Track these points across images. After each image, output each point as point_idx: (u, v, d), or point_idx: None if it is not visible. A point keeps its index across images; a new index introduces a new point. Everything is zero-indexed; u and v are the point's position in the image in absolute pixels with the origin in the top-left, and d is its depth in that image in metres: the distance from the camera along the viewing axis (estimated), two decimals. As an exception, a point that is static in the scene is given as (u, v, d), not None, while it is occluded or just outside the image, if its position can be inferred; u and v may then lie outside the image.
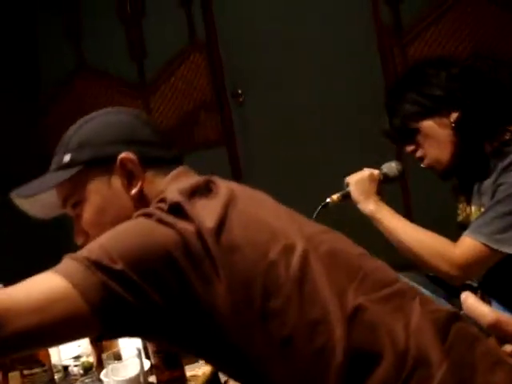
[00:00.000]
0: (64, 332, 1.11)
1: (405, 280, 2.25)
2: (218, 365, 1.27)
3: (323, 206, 2.25)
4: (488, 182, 2.05)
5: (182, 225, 1.16)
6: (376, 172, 2.25)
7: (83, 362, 2.03)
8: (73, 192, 1.40)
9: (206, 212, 1.19)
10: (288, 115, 4.21)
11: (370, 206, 2.17)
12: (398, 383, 1.13)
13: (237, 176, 4.37)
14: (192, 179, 1.33)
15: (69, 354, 2.11)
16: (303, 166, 4.18)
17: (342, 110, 4.08)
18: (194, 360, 1.86)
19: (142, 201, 1.33)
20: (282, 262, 1.18)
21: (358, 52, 4.03)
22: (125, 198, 1.36)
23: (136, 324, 1.13)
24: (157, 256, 1.13)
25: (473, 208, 2.15)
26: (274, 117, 4.27)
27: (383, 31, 3.91)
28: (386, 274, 1.30)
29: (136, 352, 1.73)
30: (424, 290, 2.25)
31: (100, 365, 1.88)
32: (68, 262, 1.13)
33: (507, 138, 2.06)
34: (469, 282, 2.23)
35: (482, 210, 2.06)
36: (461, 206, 2.27)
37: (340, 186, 2.26)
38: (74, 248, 1.21)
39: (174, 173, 1.37)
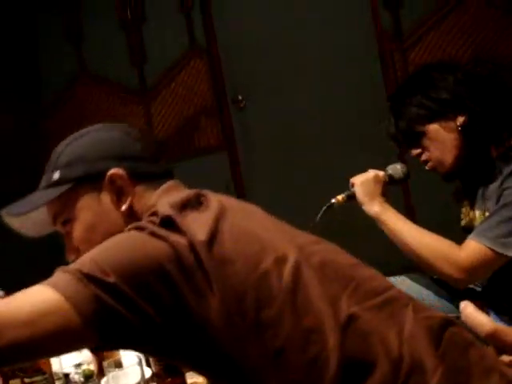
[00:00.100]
0: (57, 344, 1.11)
1: (404, 282, 2.28)
2: (212, 377, 1.27)
3: (328, 207, 2.25)
4: (493, 187, 2.04)
5: (175, 238, 1.16)
6: (381, 173, 2.25)
7: (84, 370, 2.02)
8: (63, 209, 1.40)
9: (198, 225, 1.19)
10: (288, 120, 4.21)
11: (375, 207, 2.16)
12: None
13: (237, 181, 4.37)
14: (182, 193, 1.33)
15: (70, 361, 2.11)
16: (304, 170, 4.18)
17: (342, 115, 4.08)
18: (193, 368, 1.86)
19: (132, 216, 1.33)
20: (274, 273, 1.18)
21: (358, 57, 4.03)
22: (115, 214, 1.36)
23: (130, 336, 1.13)
24: (149, 269, 1.12)
25: (477, 212, 2.15)
26: (275, 122, 4.27)
27: (383, 36, 3.91)
28: (379, 282, 1.30)
29: (137, 360, 1.73)
30: (427, 292, 2.26)
31: (101, 373, 1.87)
32: (60, 275, 1.13)
33: None
34: (472, 286, 2.23)
35: (487, 214, 2.05)
36: (464, 210, 2.27)
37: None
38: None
39: (164, 187, 1.37)
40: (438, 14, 3.77)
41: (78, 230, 1.39)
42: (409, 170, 2.30)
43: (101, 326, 1.09)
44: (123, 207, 1.36)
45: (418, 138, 2.14)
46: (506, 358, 0.76)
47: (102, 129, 1.46)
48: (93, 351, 1.97)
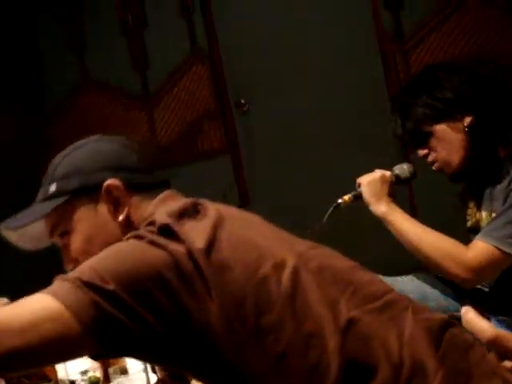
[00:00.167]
0: (56, 351, 1.11)
1: (411, 281, 2.27)
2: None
3: (335, 207, 2.24)
4: (500, 187, 2.04)
5: (173, 246, 1.17)
6: (388, 173, 2.24)
7: (90, 377, 2.03)
8: (60, 221, 1.40)
9: (196, 233, 1.20)
10: (292, 123, 4.21)
11: (382, 207, 2.16)
12: None
13: (241, 184, 4.37)
14: (179, 202, 1.33)
15: (76, 368, 2.11)
16: (307, 173, 4.18)
17: (344, 117, 4.08)
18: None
19: (129, 226, 1.34)
20: (272, 278, 1.18)
21: (359, 58, 4.02)
22: (112, 224, 1.37)
23: (130, 343, 1.13)
24: (148, 277, 1.13)
25: (483, 213, 2.14)
26: (278, 125, 4.26)
27: (384, 37, 3.91)
28: (377, 286, 1.30)
29: (142, 367, 1.73)
30: (434, 291, 2.25)
31: (107, 379, 1.88)
32: (59, 283, 1.14)
33: None
34: (480, 286, 2.23)
35: (494, 215, 2.05)
36: (470, 211, 2.26)
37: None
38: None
39: (160, 196, 1.37)
40: (440, 16, 3.76)
41: (75, 242, 1.39)
42: (415, 170, 2.30)
43: (100, 333, 1.10)
44: (120, 218, 1.36)
45: (425, 139, 2.14)
46: (508, 363, 0.76)
47: (99, 140, 1.46)
48: (96, 358, 1.97)
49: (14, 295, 1.22)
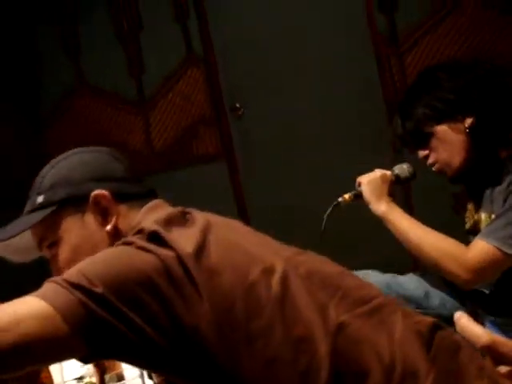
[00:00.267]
0: (45, 352, 1.11)
1: (411, 279, 2.27)
2: None
3: (335, 206, 2.24)
4: (500, 188, 2.04)
5: (162, 251, 1.17)
6: (388, 173, 2.24)
7: (86, 383, 2.03)
8: (47, 232, 1.40)
9: (184, 239, 1.20)
10: (287, 126, 4.21)
11: (382, 206, 2.15)
12: None
13: (237, 189, 4.37)
14: (167, 210, 1.34)
15: (72, 374, 2.11)
16: (303, 176, 4.18)
17: (341, 119, 4.08)
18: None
19: (117, 236, 1.33)
20: (262, 283, 1.18)
21: (355, 62, 4.03)
22: (100, 234, 1.37)
23: (120, 347, 1.13)
24: (137, 281, 1.13)
25: (483, 215, 2.14)
26: (273, 129, 4.26)
27: (379, 40, 3.91)
28: (366, 290, 1.31)
29: (139, 373, 1.73)
30: (434, 289, 2.25)
31: (103, 386, 1.87)
32: (47, 286, 1.14)
33: None
34: (481, 288, 2.22)
35: (493, 216, 2.05)
36: (468, 213, 2.26)
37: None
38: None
39: (148, 206, 1.38)
40: (435, 17, 3.76)
41: (63, 252, 1.39)
42: (415, 169, 2.30)
43: (88, 334, 1.09)
44: (108, 227, 1.36)
45: (426, 139, 2.14)
46: (503, 368, 0.76)
47: (85, 151, 1.46)
48: (94, 363, 1.97)
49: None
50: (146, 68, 4.53)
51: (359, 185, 2.23)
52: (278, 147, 4.25)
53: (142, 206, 1.37)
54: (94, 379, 1.98)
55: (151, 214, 1.33)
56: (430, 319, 1.30)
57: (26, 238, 1.43)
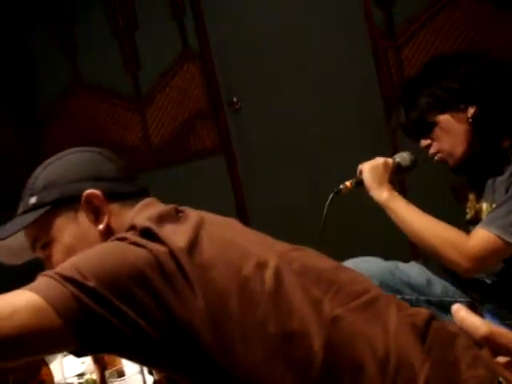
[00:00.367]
0: (38, 343, 1.11)
1: (412, 267, 2.28)
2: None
3: (336, 193, 2.23)
4: (502, 178, 2.04)
5: (155, 246, 1.17)
6: (390, 160, 2.23)
7: (87, 380, 2.03)
8: (41, 233, 1.41)
9: (177, 235, 1.21)
10: (285, 120, 4.21)
11: (383, 193, 2.15)
12: None
13: (235, 183, 4.37)
14: (159, 207, 1.35)
15: (72, 371, 2.11)
16: (302, 170, 4.18)
17: (337, 114, 4.08)
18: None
19: (110, 235, 1.34)
20: (255, 278, 1.19)
21: (352, 55, 4.03)
22: (93, 233, 1.38)
23: (113, 340, 1.13)
24: (130, 276, 1.13)
25: (484, 205, 2.14)
26: (271, 123, 4.26)
27: (376, 34, 3.91)
28: (361, 284, 1.32)
29: (139, 369, 1.73)
30: (436, 276, 2.26)
31: (103, 382, 1.88)
32: (40, 279, 1.15)
33: None
34: (483, 278, 2.23)
35: (494, 206, 2.05)
36: (469, 203, 2.27)
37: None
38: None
39: (140, 204, 1.38)
40: (431, 10, 3.76)
41: (57, 253, 1.39)
42: (416, 158, 2.30)
43: (80, 327, 1.10)
44: (101, 226, 1.37)
45: (429, 129, 2.14)
46: (501, 359, 0.76)
47: (77, 152, 1.47)
48: (95, 360, 1.97)
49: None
50: (142, 65, 4.53)
51: (360, 172, 2.22)
52: (276, 141, 4.25)
53: (135, 205, 1.38)
54: (95, 376, 1.98)
55: (144, 212, 1.33)
56: (424, 311, 1.31)
57: (19, 240, 1.44)
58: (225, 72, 4.37)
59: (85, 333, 1.10)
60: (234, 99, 4.34)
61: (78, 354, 1.16)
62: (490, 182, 2.11)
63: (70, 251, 1.36)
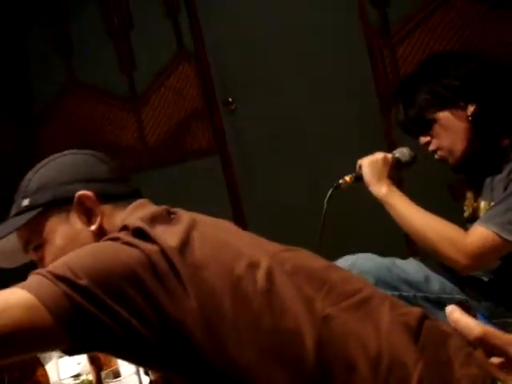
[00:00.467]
0: (29, 341, 1.10)
1: (410, 263, 2.28)
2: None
3: (335, 188, 2.24)
4: (501, 176, 2.05)
5: (147, 246, 1.18)
6: (389, 156, 2.24)
7: (83, 381, 2.03)
8: (33, 235, 1.42)
9: (169, 235, 1.21)
10: (280, 120, 4.21)
11: (383, 189, 2.15)
12: None
13: (231, 183, 4.37)
14: (152, 208, 1.35)
15: (68, 372, 2.11)
16: (297, 171, 4.18)
17: (332, 112, 4.08)
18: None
19: (102, 236, 1.34)
20: (248, 278, 1.20)
21: (347, 54, 4.03)
22: (85, 235, 1.38)
23: (105, 339, 1.13)
24: (122, 275, 1.13)
25: (482, 203, 2.15)
26: (266, 123, 4.26)
27: (371, 33, 3.91)
28: (353, 283, 1.32)
29: (135, 369, 1.73)
30: (434, 273, 2.26)
31: (99, 383, 1.87)
32: (32, 277, 1.14)
33: None
34: (480, 275, 2.23)
35: (492, 204, 2.05)
36: (467, 201, 2.27)
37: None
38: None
39: (133, 205, 1.39)
40: (425, 10, 3.77)
41: (50, 254, 1.40)
42: (416, 153, 2.30)
43: (72, 326, 1.10)
44: (93, 227, 1.38)
45: (428, 126, 2.14)
46: (495, 360, 0.76)
47: (69, 154, 1.48)
48: (91, 361, 1.97)
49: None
50: (137, 65, 4.52)
51: (360, 167, 2.23)
52: (271, 140, 4.25)
53: (127, 206, 1.39)
54: (91, 377, 1.98)
55: (136, 213, 1.34)
56: (417, 310, 1.32)
57: (12, 242, 1.45)
58: (220, 72, 4.37)
59: (77, 331, 1.10)
60: (230, 99, 4.34)
61: (70, 353, 1.16)
62: (488, 180, 2.11)
63: (63, 253, 1.35)
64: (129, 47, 4.53)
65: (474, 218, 2.18)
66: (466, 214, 2.28)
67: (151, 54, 4.45)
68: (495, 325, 2.00)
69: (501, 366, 0.76)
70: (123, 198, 1.41)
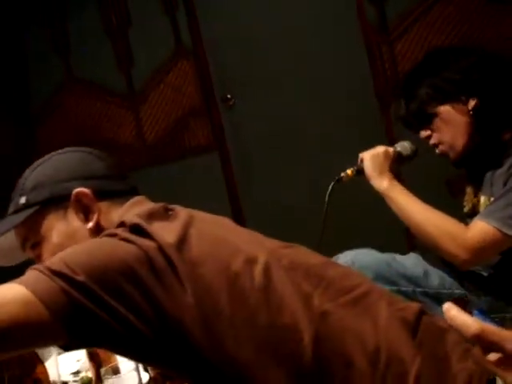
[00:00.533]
0: (26, 337, 1.10)
1: (409, 257, 2.28)
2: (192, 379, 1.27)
3: (337, 181, 2.24)
4: (501, 171, 2.04)
5: (145, 242, 1.18)
6: (390, 149, 2.24)
7: (82, 378, 2.03)
8: (30, 233, 1.42)
9: (166, 231, 1.21)
10: (278, 116, 4.20)
11: (384, 183, 2.15)
12: (373, 383, 1.15)
13: (230, 180, 4.37)
14: (149, 205, 1.35)
15: (67, 370, 2.11)
16: (297, 167, 4.18)
17: (332, 109, 4.08)
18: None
19: (99, 233, 1.33)
20: (245, 274, 1.20)
21: (345, 50, 4.02)
22: (82, 232, 1.38)
23: (102, 335, 1.13)
24: (119, 271, 1.13)
25: (482, 198, 2.14)
26: (265, 119, 4.26)
27: (369, 29, 3.91)
28: (351, 279, 1.32)
29: (134, 366, 1.73)
30: (433, 268, 2.26)
31: (99, 380, 1.88)
32: (29, 273, 1.14)
33: None
34: (479, 270, 2.23)
35: (492, 199, 2.05)
36: (466, 196, 2.27)
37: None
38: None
39: (130, 202, 1.39)
40: (423, 5, 3.77)
41: (47, 251, 1.40)
42: (417, 147, 2.30)
43: (69, 321, 1.10)
44: (90, 224, 1.38)
45: (429, 120, 2.14)
46: (492, 356, 0.77)
47: (66, 152, 1.48)
48: (90, 358, 1.97)
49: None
50: (135, 62, 4.52)
51: (361, 160, 2.23)
52: (270, 137, 4.25)
53: (124, 203, 1.39)
54: (90, 374, 1.98)
55: (133, 209, 1.34)
56: (415, 305, 1.32)
57: (10, 240, 1.45)
58: (218, 69, 4.37)
59: (74, 327, 1.10)
60: (228, 96, 4.34)
61: (68, 348, 1.16)
62: (488, 175, 2.11)
63: (60, 250, 1.34)
64: (127, 45, 4.52)
65: (473, 213, 2.18)
66: (465, 210, 2.28)
67: (149, 52, 4.45)
68: (493, 320, 2.01)
69: (498, 363, 0.76)
70: (120, 195, 1.41)
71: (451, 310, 0.75)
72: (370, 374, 1.15)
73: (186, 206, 1.39)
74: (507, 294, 2.15)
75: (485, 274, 2.24)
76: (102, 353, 1.91)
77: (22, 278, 1.14)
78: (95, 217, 1.38)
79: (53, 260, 1.16)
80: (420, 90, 2.13)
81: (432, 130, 2.16)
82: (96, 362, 1.91)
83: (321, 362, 1.16)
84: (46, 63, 4.70)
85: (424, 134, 2.19)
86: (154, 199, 1.43)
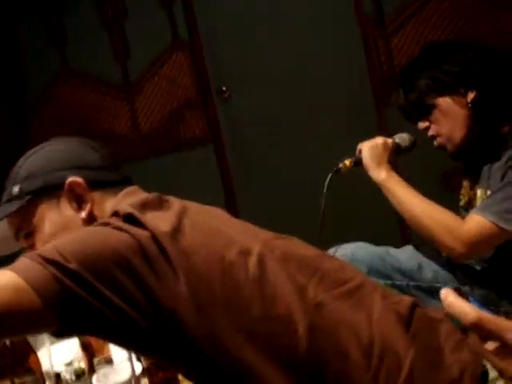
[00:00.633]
0: (17, 323, 1.10)
1: (405, 250, 2.28)
2: (186, 372, 1.27)
3: (335, 172, 2.24)
4: (498, 164, 2.04)
5: (138, 231, 1.18)
6: (389, 141, 2.24)
7: (75, 368, 2.02)
8: (24, 222, 1.42)
9: (160, 221, 1.21)
10: (274, 109, 4.20)
11: (382, 173, 2.15)
12: (368, 375, 1.15)
13: (225, 173, 4.37)
14: (142, 195, 1.35)
15: (60, 360, 2.10)
16: (291, 159, 4.18)
17: (327, 103, 4.08)
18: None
19: (92, 222, 1.34)
20: (239, 264, 1.20)
21: (342, 44, 4.02)
22: (75, 221, 1.38)
23: (94, 323, 1.13)
24: (112, 260, 1.13)
25: (478, 191, 2.14)
26: (260, 111, 4.26)
27: (366, 23, 3.90)
28: (345, 271, 1.33)
29: (127, 356, 1.73)
30: (429, 260, 2.27)
31: (92, 370, 1.88)
32: (21, 260, 1.14)
33: None
34: (473, 264, 2.23)
35: (489, 192, 2.05)
36: (463, 190, 2.27)
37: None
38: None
39: (123, 192, 1.39)
40: (420, 0, 3.76)
41: (40, 241, 1.40)
42: (416, 139, 2.30)
43: (61, 309, 1.10)
44: (83, 214, 1.38)
45: (427, 111, 2.14)
46: (490, 345, 0.76)
47: (59, 142, 1.48)
48: (83, 348, 1.97)
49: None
50: (131, 54, 4.51)
51: (360, 151, 2.23)
52: (265, 129, 4.25)
53: (118, 193, 1.39)
54: (83, 364, 1.98)
55: (126, 199, 1.34)
56: (408, 299, 1.32)
57: (3, 229, 1.45)
58: (214, 61, 4.36)
59: (66, 314, 1.11)
60: (223, 88, 4.33)
61: (59, 335, 1.16)
62: (486, 168, 2.11)
63: (53, 239, 1.36)
64: (123, 37, 4.51)
65: (470, 206, 2.18)
66: (461, 203, 2.28)
67: (146, 44, 4.44)
68: (491, 311, 2.01)
69: (496, 352, 0.76)
70: (114, 185, 1.41)
71: (449, 297, 0.75)
72: (364, 365, 1.16)
73: (181, 197, 1.39)
74: (500, 287, 2.15)
75: (478, 267, 2.24)
76: (95, 343, 1.91)
77: (14, 264, 1.14)
78: (88, 206, 1.38)
79: (45, 248, 1.17)
80: (420, 81, 2.14)
81: (430, 122, 2.16)
82: (89, 352, 1.91)
83: (315, 353, 1.16)
84: (41, 54, 4.69)
85: (422, 125, 2.19)
86: (148, 191, 1.43)
